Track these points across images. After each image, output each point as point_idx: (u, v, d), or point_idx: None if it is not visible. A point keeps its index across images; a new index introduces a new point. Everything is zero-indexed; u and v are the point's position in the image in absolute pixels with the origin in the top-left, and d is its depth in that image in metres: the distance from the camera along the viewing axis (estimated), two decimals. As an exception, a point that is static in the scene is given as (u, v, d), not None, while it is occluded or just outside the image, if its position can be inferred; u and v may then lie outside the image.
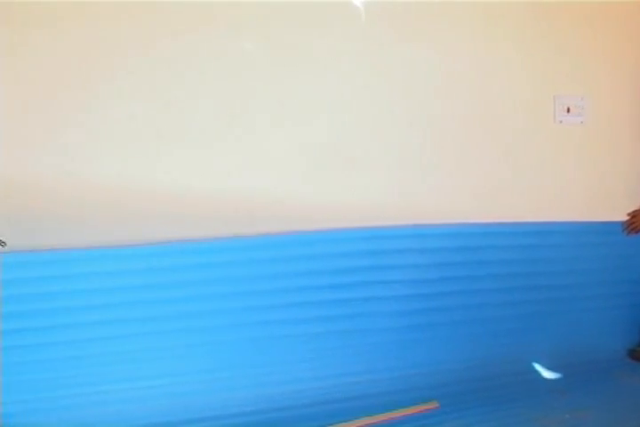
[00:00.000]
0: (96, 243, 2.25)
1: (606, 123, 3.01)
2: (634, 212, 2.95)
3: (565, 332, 2.90)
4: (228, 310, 2.42)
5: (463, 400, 2.49)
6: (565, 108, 2.92)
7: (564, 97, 2.92)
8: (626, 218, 2.96)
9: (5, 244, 2.09)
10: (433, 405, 2.45)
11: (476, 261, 2.74)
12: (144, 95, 2.34)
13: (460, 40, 2.74)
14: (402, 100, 2.69)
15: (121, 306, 2.28)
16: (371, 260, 2.60)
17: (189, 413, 2.32)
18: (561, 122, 2.93)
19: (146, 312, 2.31)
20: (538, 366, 2.80)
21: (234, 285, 2.41)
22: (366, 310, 2.61)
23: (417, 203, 2.72)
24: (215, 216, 2.44)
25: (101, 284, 2.25)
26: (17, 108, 2.21)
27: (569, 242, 2.89)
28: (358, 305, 2.60)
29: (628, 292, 3.01)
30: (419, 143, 2.73)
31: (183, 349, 2.38)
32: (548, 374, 2.77)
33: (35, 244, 2.20)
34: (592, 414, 2.38)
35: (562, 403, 2.49)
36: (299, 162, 2.57)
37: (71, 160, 2.27)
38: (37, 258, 2.18)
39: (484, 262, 2.75)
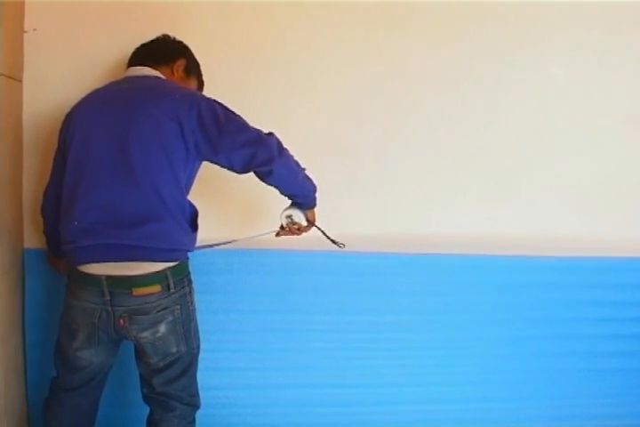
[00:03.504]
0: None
1: None
2: None
3: None
4: (521, 338, 2.39)
5: None
6: None
7: None
8: None
9: (344, 245, 2.03)
10: None
11: None
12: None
13: None
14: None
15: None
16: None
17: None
18: None
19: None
20: None
21: (527, 309, 2.38)
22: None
23: None
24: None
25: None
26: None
27: None
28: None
29: None
30: None
31: (470, 375, 2.39)
32: None
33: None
34: None
35: None
36: (591, 191, 2.45)
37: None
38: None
39: None
